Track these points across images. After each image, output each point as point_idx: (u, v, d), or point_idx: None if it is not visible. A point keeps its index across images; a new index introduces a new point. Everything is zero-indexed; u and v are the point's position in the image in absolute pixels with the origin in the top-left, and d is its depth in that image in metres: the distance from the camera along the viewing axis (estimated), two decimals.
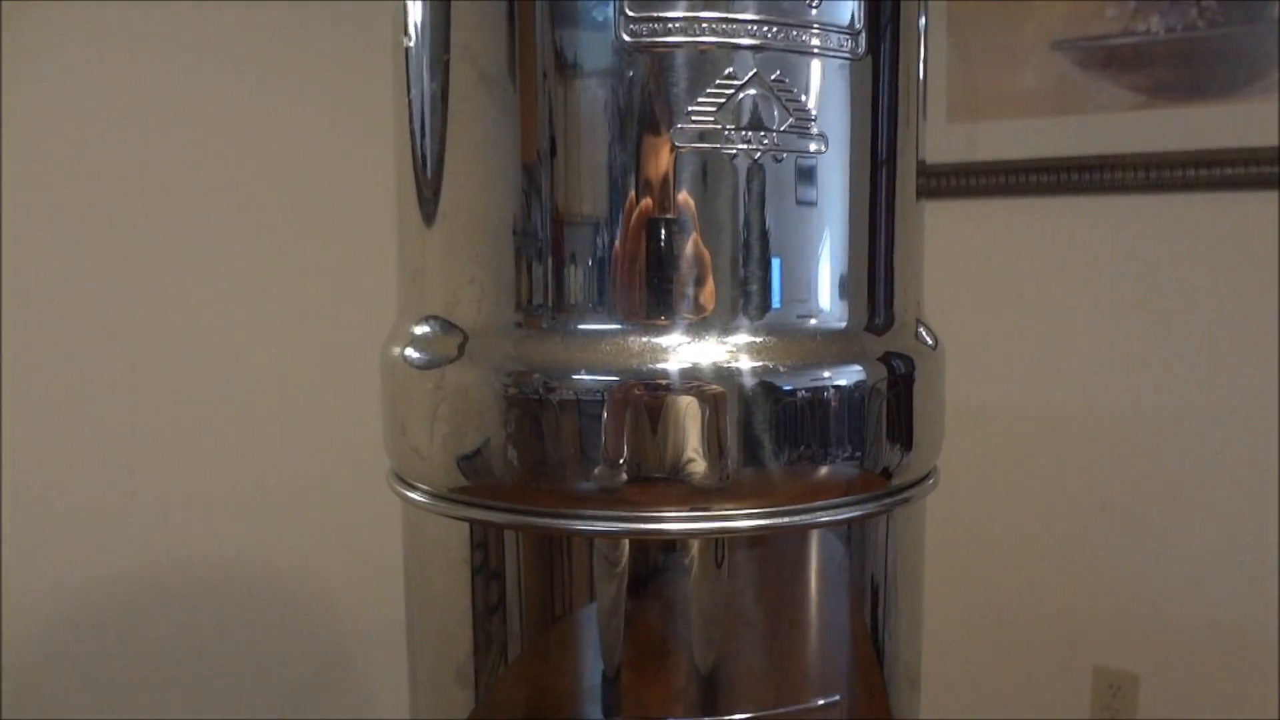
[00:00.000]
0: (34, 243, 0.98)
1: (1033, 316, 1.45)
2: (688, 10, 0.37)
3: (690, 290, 0.38)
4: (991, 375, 1.46)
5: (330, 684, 1.24)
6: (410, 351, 0.42)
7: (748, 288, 0.38)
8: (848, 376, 0.40)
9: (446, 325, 0.41)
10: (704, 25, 0.38)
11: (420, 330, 0.42)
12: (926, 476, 0.44)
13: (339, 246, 1.19)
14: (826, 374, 0.39)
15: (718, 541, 0.39)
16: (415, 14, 0.42)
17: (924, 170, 0.45)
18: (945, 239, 1.44)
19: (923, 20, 0.44)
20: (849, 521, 0.41)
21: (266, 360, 1.15)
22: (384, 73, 0.45)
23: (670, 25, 0.37)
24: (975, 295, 1.47)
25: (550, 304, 0.39)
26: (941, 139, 1.48)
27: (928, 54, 0.45)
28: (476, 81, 0.40)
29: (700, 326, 0.38)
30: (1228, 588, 1.31)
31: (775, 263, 0.39)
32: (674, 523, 0.39)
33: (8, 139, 0.95)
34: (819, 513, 0.40)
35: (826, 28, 0.39)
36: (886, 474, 0.42)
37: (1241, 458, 1.30)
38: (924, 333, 0.44)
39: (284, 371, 1.15)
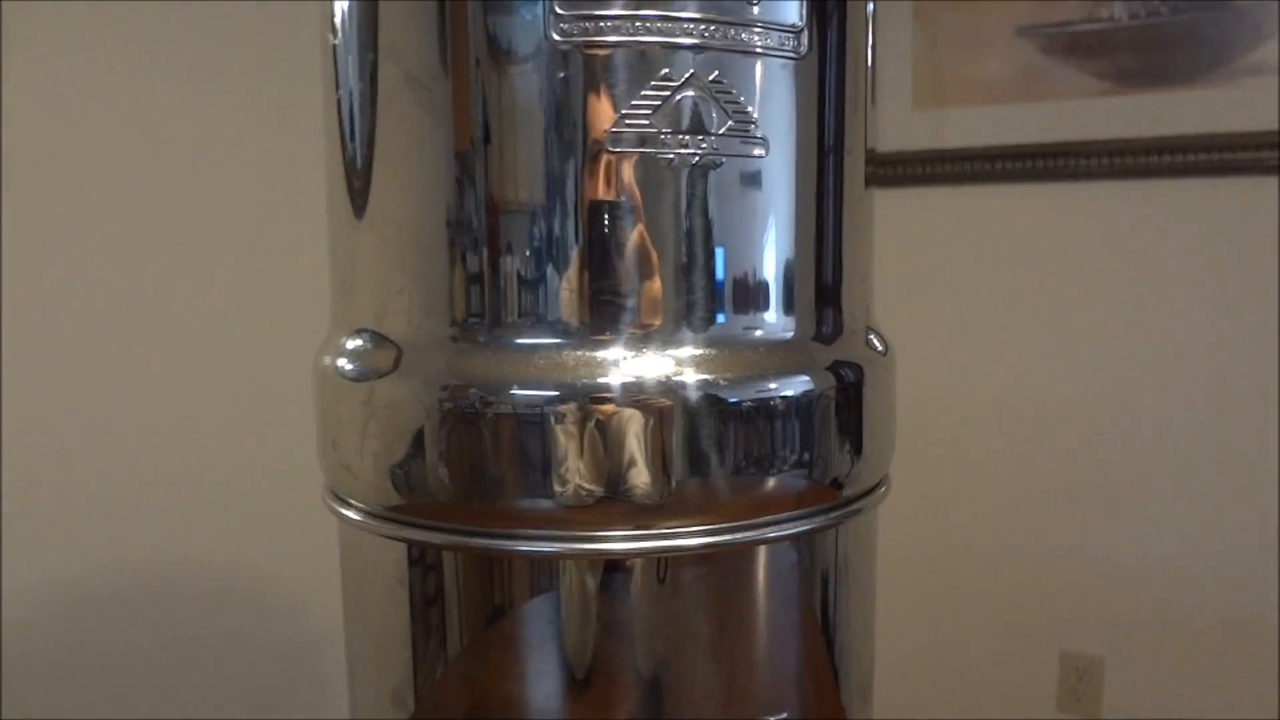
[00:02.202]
0: (27, 244, 0.97)
1: (1000, 303, 1.45)
2: (622, 8, 0.36)
3: (631, 302, 0.37)
4: (957, 362, 1.46)
5: (311, 680, 1.22)
6: (341, 363, 0.41)
7: (691, 299, 0.37)
8: (795, 387, 0.39)
9: (377, 337, 0.40)
10: (639, 24, 0.36)
11: (351, 343, 0.40)
12: (878, 485, 0.43)
13: (308, 231, 1.17)
14: (773, 385, 0.38)
15: (661, 559, 0.38)
16: (341, 11, 0.40)
17: (875, 159, 0.44)
18: (912, 226, 1.43)
19: (870, 6, 0.43)
20: (798, 536, 0.40)
21: (246, 359, 1.14)
22: None
23: (603, 24, 0.36)
24: (942, 282, 1.46)
25: (485, 317, 0.37)
26: (908, 126, 1.47)
27: (877, 42, 0.44)
28: (404, 82, 0.38)
29: (642, 339, 0.37)
30: (1193, 573, 1.32)
31: (719, 273, 0.37)
32: (617, 542, 0.37)
33: (8, 139, 0.94)
34: (767, 528, 0.39)
35: (769, 26, 0.37)
36: (837, 484, 0.41)
37: (1205, 443, 1.31)
38: (874, 339, 0.43)
39: (263, 370, 1.14)
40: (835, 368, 0.40)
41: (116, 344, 1.06)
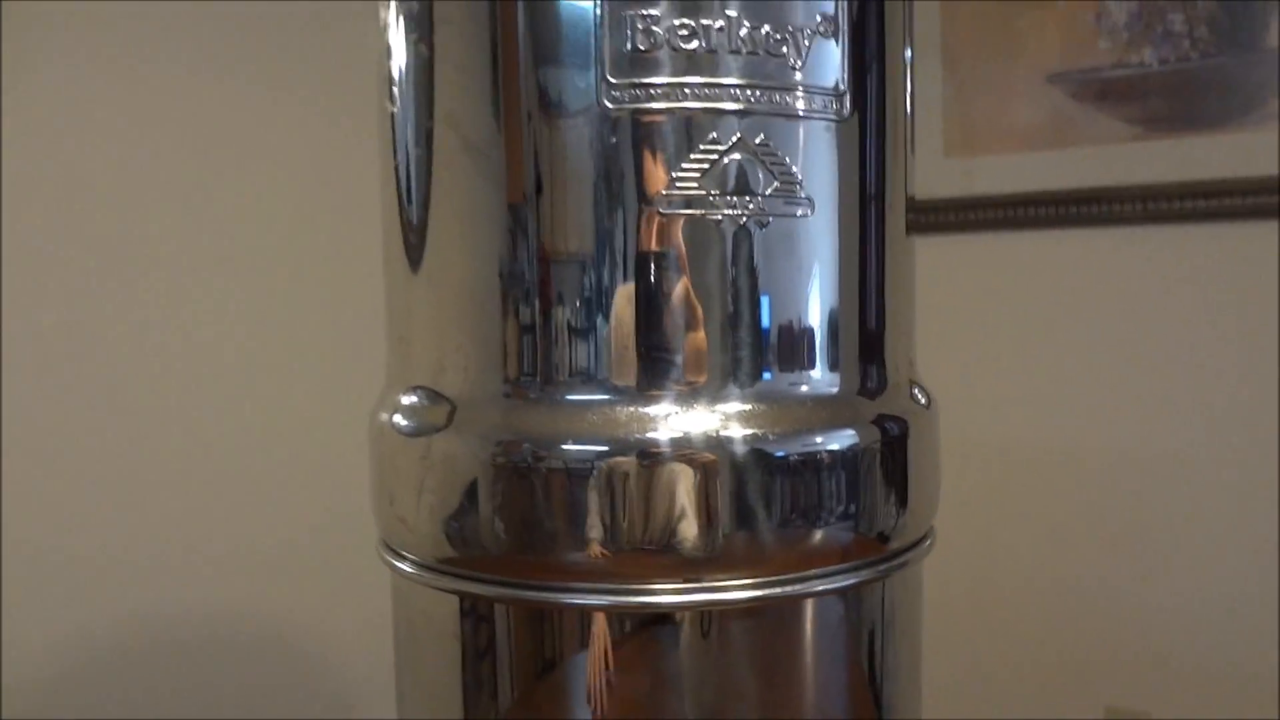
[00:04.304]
0: (32, 250, 0.96)
1: (1032, 351, 1.45)
2: (670, 76, 0.37)
3: (679, 359, 0.37)
4: (990, 411, 1.45)
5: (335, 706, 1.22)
6: (398, 419, 0.42)
7: (737, 355, 0.38)
8: (840, 441, 0.39)
9: (433, 395, 0.41)
10: (687, 91, 0.37)
11: (407, 400, 0.42)
12: (923, 538, 0.43)
13: (360, 289, 1.18)
14: (819, 439, 0.39)
15: (708, 612, 0.38)
16: (399, 80, 0.42)
17: (914, 206, 0.45)
18: (944, 273, 1.43)
19: (908, 53, 0.44)
20: (845, 589, 0.40)
21: (273, 408, 1.15)
22: None
23: (652, 91, 0.37)
24: (974, 330, 1.46)
25: (537, 374, 0.38)
26: (938, 174, 1.48)
27: (915, 90, 0.45)
28: (460, 147, 0.40)
29: (690, 396, 0.38)
30: (1239, 627, 1.30)
31: (765, 329, 0.38)
32: (665, 595, 0.38)
33: (8, 139, 0.94)
34: (814, 581, 0.39)
35: (811, 90, 0.39)
36: (883, 538, 0.41)
37: (1247, 494, 1.29)
38: (917, 393, 0.44)
39: (292, 418, 1.15)
40: (880, 421, 0.40)
41: (172, 396, 1.08)
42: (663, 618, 0.38)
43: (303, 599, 1.16)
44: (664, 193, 0.37)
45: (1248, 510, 1.28)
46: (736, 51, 0.38)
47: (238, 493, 1.11)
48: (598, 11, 0.37)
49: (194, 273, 1.08)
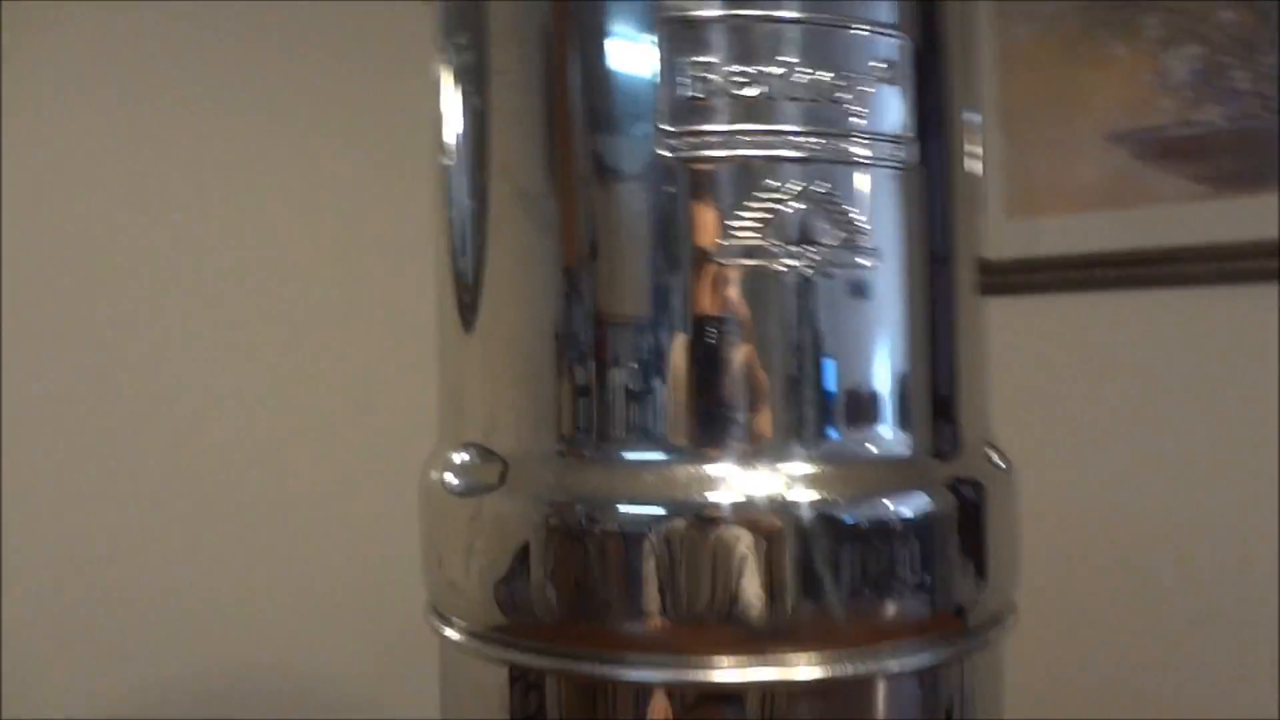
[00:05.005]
0: (32, 251, 0.93)
1: (1100, 415, 1.40)
2: (728, 124, 0.36)
3: (740, 417, 0.36)
4: (1057, 480, 1.39)
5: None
6: (448, 477, 0.40)
7: (801, 413, 0.36)
8: (913, 506, 0.37)
9: (485, 452, 0.39)
10: (745, 138, 0.36)
11: (458, 457, 0.40)
12: (1005, 615, 0.40)
13: (412, 341, 1.18)
14: (890, 504, 0.36)
15: (771, 692, 0.36)
16: (455, 135, 0.41)
17: (986, 268, 0.43)
18: (1008, 335, 1.40)
19: (977, 118, 0.42)
20: (921, 668, 0.37)
21: (321, 463, 1.14)
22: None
23: (709, 139, 0.36)
24: (1040, 394, 1.42)
25: (592, 431, 0.37)
26: (1001, 236, 1.45)
27: (985, 150, 0.43)
28: (513, 199, 0.39)
29: (752, 455, 0.36)
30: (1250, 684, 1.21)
31: (830, 386, 0.36)
32: (726, 671, 0.35)
33: (8, 139, 0.94)
34: (886, 659, 0.36)
35: (875, 137, 0.37)
36: (960, 612, 0.38)
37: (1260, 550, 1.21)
38: (994, 455, 0.41)
39: (341, 475, 1.14)
40: (954, 485, 0.38)
41: (221, 451, 1.08)
42: (724, 695, 0.36)
43: (350, 661, 1.14)
44: (722, 243, 0.36)
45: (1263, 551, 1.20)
46: (796, 99, 0.36)
47: (285, 548, 1.10)
48: (653, 60, 0.36)
49: (241, 327, 1.08)
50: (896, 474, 0.37)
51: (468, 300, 0.41)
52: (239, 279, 1.09)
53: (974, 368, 0.41)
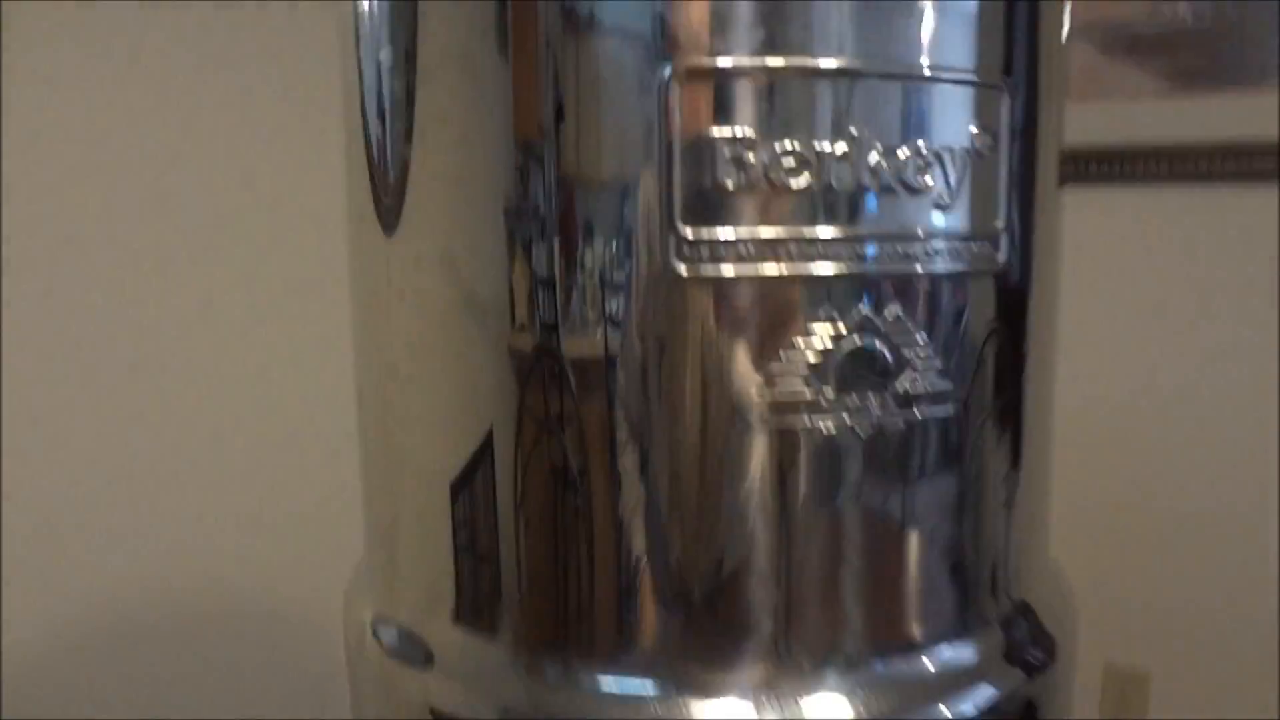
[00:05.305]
0: (32, 251, 0.91)
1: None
2: (766, 224, 0.25)
3: (763, 633, 0.27)
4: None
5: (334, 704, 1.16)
6: (381, 653, 0.31)
7: (837, 633, 0.27)
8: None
9: (416, 641, 0.30)
10: (791, 248, 0.26)
11: (389, 638, 0.30)
12: None
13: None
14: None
15: None
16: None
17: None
18: None
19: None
20: None
21: (277, 382, 1.08)
22: None
23: (741, 250, 0.25)
24: None
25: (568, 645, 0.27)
26: None
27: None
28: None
29: (775, 681, 0.27)
30: (1240, 584, 1.25)
31: (879, 592, 0.27)
32: None
33: (8, 139, 0.88)
34: None
35: (967, 238, 0.27)
36: None
37: (1253, 452, 1.23)
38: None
39: (296, 391, 1.08)
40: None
41: (142, 363, 1.01)
42: None
43: (309, 564, 1.10)
44: (757, 396, 0.26)
45: (1258, 469, 1.23)
46: (864, 186, 0.26)
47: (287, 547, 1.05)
48: (664, 131, 0.25)
49: (241, 324, 1.00)
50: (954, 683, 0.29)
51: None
52: (241, 278, 1.00)
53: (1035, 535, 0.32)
